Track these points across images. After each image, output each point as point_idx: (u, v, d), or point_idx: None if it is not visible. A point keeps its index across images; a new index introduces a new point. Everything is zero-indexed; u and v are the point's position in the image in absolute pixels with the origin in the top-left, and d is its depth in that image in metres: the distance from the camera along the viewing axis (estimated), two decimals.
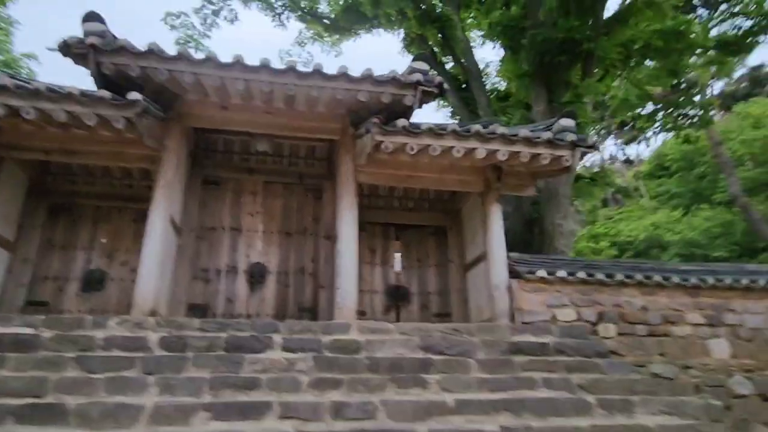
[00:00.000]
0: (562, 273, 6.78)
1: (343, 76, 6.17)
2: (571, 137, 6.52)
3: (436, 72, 6.95)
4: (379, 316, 7.75)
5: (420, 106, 6.80)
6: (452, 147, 6.28)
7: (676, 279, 7.03)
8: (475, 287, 7.59)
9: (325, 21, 15.68)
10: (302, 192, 8.17)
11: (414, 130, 6.16)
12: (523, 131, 6.46)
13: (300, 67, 6.17)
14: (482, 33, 12.81)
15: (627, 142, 38.38)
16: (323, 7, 15.97)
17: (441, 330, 5.70)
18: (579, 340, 5.85)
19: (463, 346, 5.39)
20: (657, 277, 6.99)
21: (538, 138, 6.45)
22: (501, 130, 6.38)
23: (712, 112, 13.75)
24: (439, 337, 5.55)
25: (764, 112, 26.69)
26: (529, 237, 9.94)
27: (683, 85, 14.91)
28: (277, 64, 6.11)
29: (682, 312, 7.00)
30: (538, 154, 6.49)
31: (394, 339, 5.39)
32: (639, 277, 6.95)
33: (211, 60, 5.90)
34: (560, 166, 6.68)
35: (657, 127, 15.51)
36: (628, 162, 39.82)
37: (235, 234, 7.80)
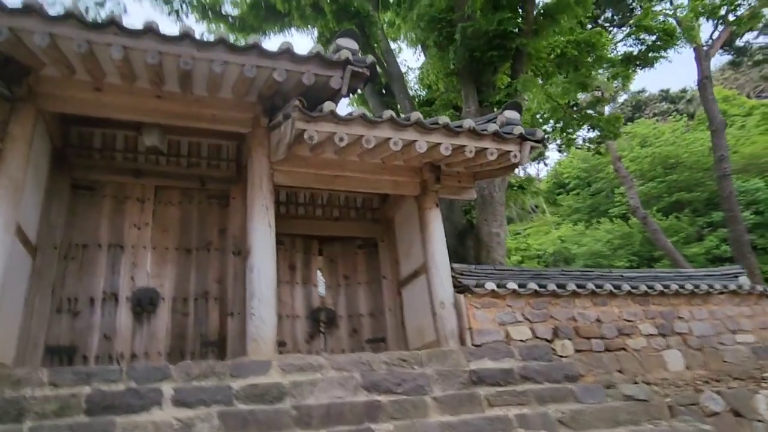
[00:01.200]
0: (512, 285, 5.98)
1: (255, 48, 4.94)
2: (518, 130, 5.81)
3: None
4: (302, 346, 6.46)
5: (347, 94, 5.74)
6: (389, 138, 5.28)
7: (626, 287, 6.54)
8: (413, 306, 6.58)
9: (230, 19, 14.19)
10: (204, 199, 6.69)
11: (344, 117, 5.09)
12: (468, 122, 5.64)
13: (199, 36, 4.87)
14: (402, 36, 12.13)
15: (530, 160, 40.39)
16: (228, 8, 14.52)
17: (385, 361, 4.56)
18: (544, 362, 5.02)
19: (415, 381, 4.31)
20: (608, 286, 6.45)
21: (485, 130, 5.66)
22: (444, 120, 5.51)
23: (618, 126, 14.16)
24: (385, 371, 4.42)
25: (649, 132, 29.22)
26: (462, 249, 9.18)
27: (578, 104, 15.38)
28: (169, 30, 4.77)
29: (635, 322, 6.51)
30: (485, 149, 5.69)
31: (328, 378, 4.16)
32: (591, 286, 6.35)
33: (74, 17, 4.42)
34: (507, 163, 5.94)
35: (567, 140, 15.78)
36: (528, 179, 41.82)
37: (117, 252, 6.14)
